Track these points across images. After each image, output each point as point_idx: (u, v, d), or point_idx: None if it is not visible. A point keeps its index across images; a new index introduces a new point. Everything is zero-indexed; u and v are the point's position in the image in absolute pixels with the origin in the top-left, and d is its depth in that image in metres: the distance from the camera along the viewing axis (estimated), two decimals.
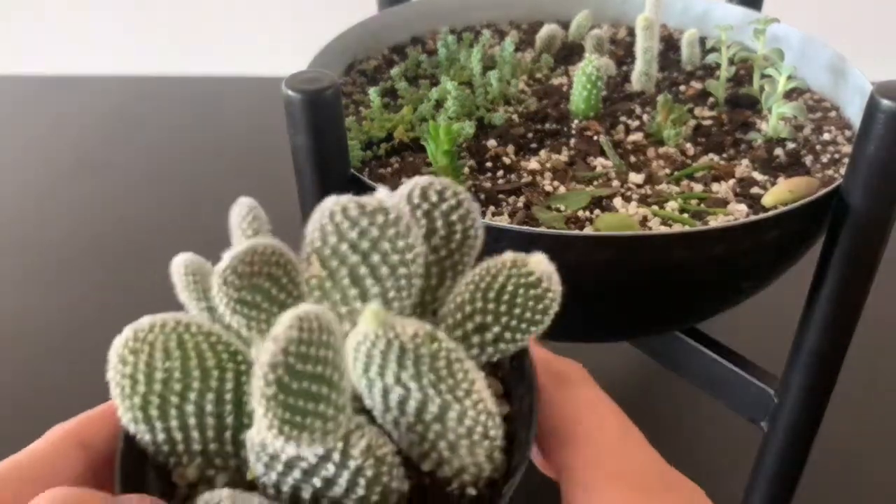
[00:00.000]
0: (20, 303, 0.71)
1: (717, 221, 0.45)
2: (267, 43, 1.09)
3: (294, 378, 0.20)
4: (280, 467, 0.23)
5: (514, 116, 0.55)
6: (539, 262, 0.25)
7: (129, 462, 0.25)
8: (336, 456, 0.23)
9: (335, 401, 0.22)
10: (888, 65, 0.66)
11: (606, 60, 0.59)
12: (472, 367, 0.23)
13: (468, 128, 0.52)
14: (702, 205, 0.47)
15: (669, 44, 0.64)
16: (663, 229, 0.45)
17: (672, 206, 0.47)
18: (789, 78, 0.52)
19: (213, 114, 1.00)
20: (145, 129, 0.97)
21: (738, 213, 0.46)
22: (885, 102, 0.38)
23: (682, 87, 0.59)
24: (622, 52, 0.63)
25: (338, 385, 0.22)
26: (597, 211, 0.46)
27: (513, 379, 0.28)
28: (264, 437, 0.21)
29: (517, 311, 0.25)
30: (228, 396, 0.25)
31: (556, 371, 0.28)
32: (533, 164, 0.50)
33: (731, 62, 0.57)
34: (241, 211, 0.27)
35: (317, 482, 0.23)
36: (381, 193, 0.25)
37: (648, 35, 0.56)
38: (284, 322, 0.20)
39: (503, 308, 0.25)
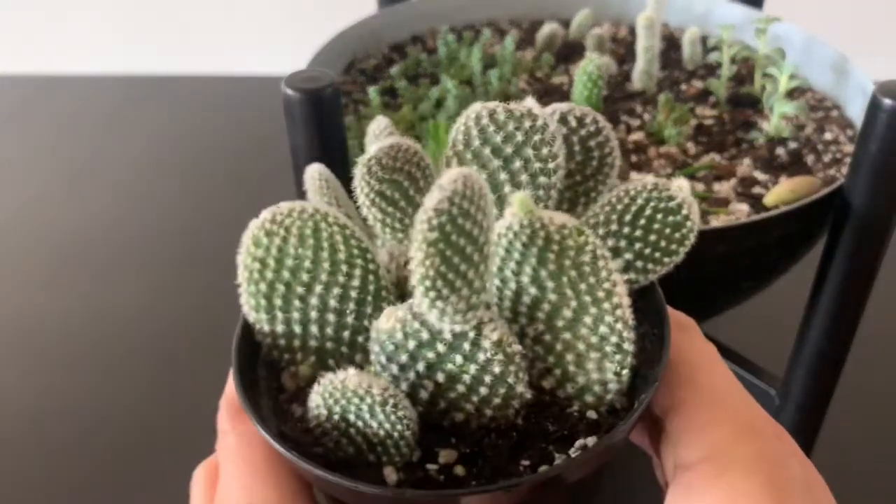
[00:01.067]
0: (20, 302, 0.71)
1: (718, 221, 0.45)
2: (267, 42, 1.09)
3: (454, 230, 0.20)
4: (404, 358, 0.23)
5: None
6: (682, 188, 0.24)
7: (243, 357, 0.25)
8: (466, 346, 0.22)
9: (481, 273, 0.21)
10: (890, 64, 0.65)
11: (607, 59, 0.59)
12: (615, 268, 0.22)
13: None
14: (703, 204, 0.47)
15: (671, 43, 0.63)
16: None
17: None
18: (791, 77, 0.52)
19: (213, 113, 1.00)
20: (145, 129, 0.96)
21: (740, 212, 0.46)
22: (887, 102, 0.38)
23: (684, 87, 0.58)
24: (623, 50, 0.63)
25: (485, 257, 0.21)
26: None
27: (637, 316, 0.26)
28: (419, 304, 0.21)
29: (652, 237, 0.24)
30: (353, 294, 0.24)
31: (675, 317, 0.27)
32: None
33: (733, 61, 0.56)
34: (314, 175, 0.27)
35: (440, 377, 0.23)
36: (530, 102, 0.24)
37: (650, 34, 0.56)
38: (450, 175, 0.20)
39: (639, 233, 0.24)
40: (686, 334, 0.27)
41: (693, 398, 0.25)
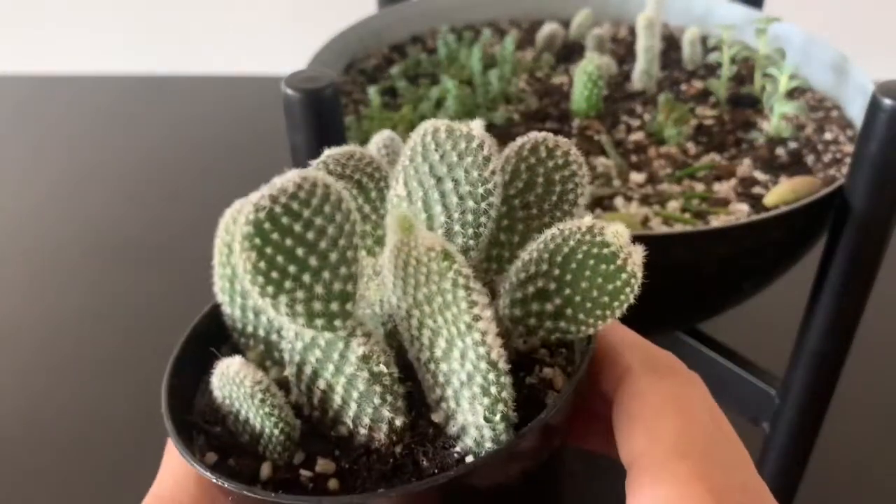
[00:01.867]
0: (19, 302, 0.71)
1: (718, 221, 0.45)
2: (267, 42, 1.09)
3: (277, 229, 0.20)
4: (297, 357, 0.23)
5: (515, 115, 0.55)
6: (618, 235, 0.22)
7: (207, 331, 0.26)
8: (335, 355, 0.22)
9: (327, 280, 0.21)
10: (890, 64, 0.65)
11: (607, 59, 0.59)
12: (483, 302, 0.21)
13: None
14: (703, 204, 0.47)
15: (671, 43, 0.63)
16: (664, 229, 0.45)
17: (673, 205, 0.46)
18: (791, 77, 0.52)
19: (213, 113, 1.00)
20: (145, 129, 0.96)
21: (740, 212, 0.46)
22: (887, 102, 0.38)
23: (684, 87, 0.58)
24: (623, 51, 0.63)
25: (337, 266, 0.21)
26: (598, 210, 0.46)
27: (569, 369, 0.25)
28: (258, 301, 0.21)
29: (584, 284, 0.22)
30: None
31: (653, 357, 0.25)
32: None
33: (733, 61, 0.56)
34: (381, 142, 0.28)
35: (321, 384, 0.23)
36: (475, 124, 0.23)
37: (650, 34, 0.56)
38: (287, 175, 0.20)
39: (568, 277, 0.22)
40: (658, 380, 0.25)
41: (647, 450, 0.23)
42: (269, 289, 0.20)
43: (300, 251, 0.20)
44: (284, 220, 0.20)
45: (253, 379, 0.22)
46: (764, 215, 0.42)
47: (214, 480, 0.21)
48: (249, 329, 0.26)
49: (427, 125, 0.23)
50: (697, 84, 0.58)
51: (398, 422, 0.23)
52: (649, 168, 0.50)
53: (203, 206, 0.82)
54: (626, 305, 0.22)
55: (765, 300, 0.51)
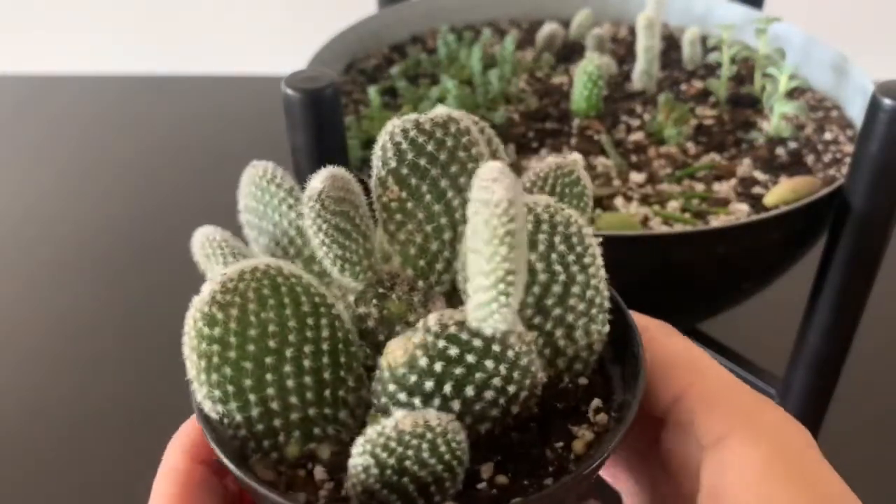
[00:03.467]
0: (18, 302, 0.71)
1: (718, 221, 0.45)
2: (267, 42, 1.09)
3: (335, 204, 0.23)
4: (429, 385, 0.21)
5: (515, 115, 0.55)
6: (576, 162, 0.26)
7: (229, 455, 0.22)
8: (496, 348, 0.21)
9: (362, 245, 0.24)
10: (890, 64, 0.65)
11: (607, 59, 0.59)
12: (591, 233, 0.24)
13: None
14: (703, 204, 0.47)
15: (671, 43, 0.63)
16: (664, 229, 0.45)
17: (673, 205, 0.46)
18: (791, 77, 0.52)
19: (213, 113, 0.99)
20: (144, 129, 0.96)
21: (740, 212, 0.46)
22: (887, 102, 0.38)
23: (684, 87, 0.58)
24: (623, 50, 0.63)
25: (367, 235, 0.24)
26: (598, 210, 0.46)
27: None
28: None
29: (566, 201, 0.26)
30: (325, 346, 0.22)
31: (656, 323, 0.27)
32: (533, 163, 0.50)
33: (733, 61, 0.56)
34: (202, 244, 0.27)
35: (469, 391, 0.21)
36: (441, 108, 0.25)
37: (650, 34, 0.56)
38: (320, 175, 0.23)
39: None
40: (675, 337, 0.27)
41: (701, 381, 0.25)
42: (339, 250, 0.24)
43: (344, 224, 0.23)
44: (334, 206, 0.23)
45: (435, 418, 0.20)
46: (764, 215, 0.42)
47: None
48: (277, 422, 0.22)
49: (397, 123, 0.24)
50: (697, 84, 0.58)
51: (545, 378, 0.23)
52: (649, 168, 0.50)
53: (202, 206, 0.82)
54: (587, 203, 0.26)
55: (765, 300, 0.51)
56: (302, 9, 1.08)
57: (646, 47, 0.56)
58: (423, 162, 0.24)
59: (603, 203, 0.47)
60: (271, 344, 0.21)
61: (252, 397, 0.21)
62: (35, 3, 1.11)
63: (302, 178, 0.27)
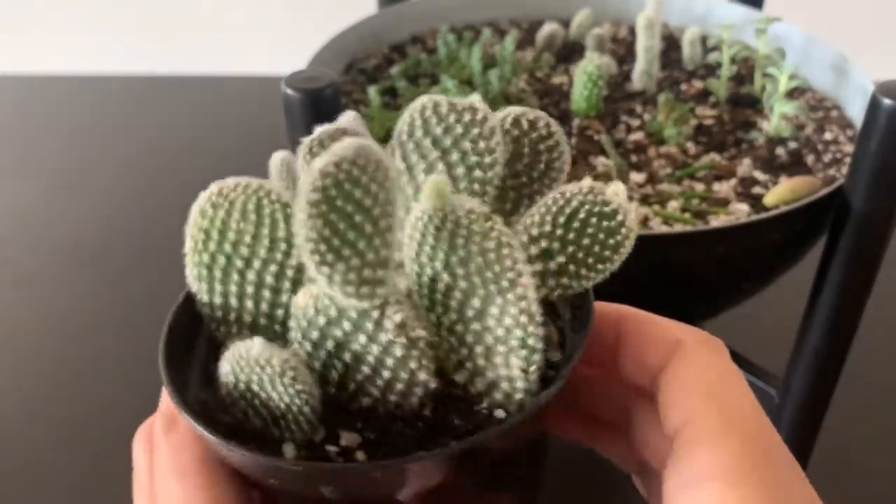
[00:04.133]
0: (18, 302, 0.71)
1: (718, 221, 0.45)
2: (267, 42, 1.09)
3: (340, 195, 0.20)
4: (315, 334, 0.23)
5: None
6: (618, 193, 0.24)
7: (182, 323, 0.25)
8: (369, 325, 0.22)
9: (377, 247, 0.21)
10: (890, 64, 0.65)
11: (607, 59, 0.59)
12: (522, 259, 0.22)
13: None
14: (703, 204, 0.47)
15: (671, 43, 0.63)
16: (664, 229, 0.45)
17: (673, 205, 0.46)
18: (791, 77, 0.52)
19: (213, 113, 1.00)
20: (144, 129, 0.96)
21: (740, 212, 0.46)
22: (887, 102, 0.38)
23: (684, 86, 0.58)
24: (623, 50, 0.63)
25: (383, 233, 0.21)
26: None
27: (572, 328, 0.26)
28: (307, 264, 0.21)
29: (586, 241, 0.24)
30: (290, 273, 0.24)
31: (702, 336, 0.25)
32: None
33: (733, 61, 0.56)
34: (277, 162, 0.28)
35: (347, 356, 0.23)
36: (474, 97, 0.25)
37: (650, 34, 0.56)
38: (343, 143, 0.20)
39: (572, 235, 0.24)
40: (709, 352, 0.25)
41: (709, 414, 0.23)
42: (329, 256, 0.21)
43: (359, 218, 0.21)
44: (347, 186, 0.20)
45: (280, 358, 0.22)
46: (764, 215, 0.42)
47: (272, 462, 0.22)
48: (232, 316, 0.25)
49: (424, 100, 0.24)
50: (697, 84, 0.58)
51: (432, 385, 0.23)
52: (649, 168, 0.50)
53: None
54: (623, 257, 0.24)
55: (765, 300, 0.51)
56: (302, 9, 1.08)
57: (646, 47, 0.56)
58: (426, 142, 0.24)
59: None
60: (243, 251, 0.24)
61: (217, 287, 0.24)
62: (35, 3, 1.11)
63: None
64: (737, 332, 0.57)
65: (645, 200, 0.47)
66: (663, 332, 0.25)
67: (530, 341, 0.22)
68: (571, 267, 0.24)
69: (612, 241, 0.24)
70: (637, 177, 0.49)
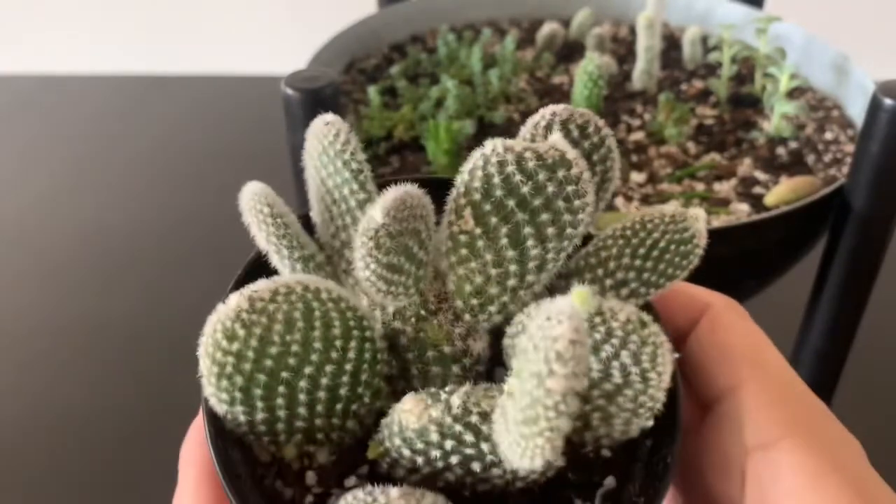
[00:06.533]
0: (18, 303, 0.71)
1: (719, 221, 0.45)
2: (267, 42, 1.09)
3: (391, 240, 0.20)
4: (435, 454, 0.21)
5: (515, 115, 0.55)
6: (698, 219, 0.23)
7: (219, 445, 0.22)
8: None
9: (414, 273, 0.22)
10: (891, 64, 0.65)
11: (608, 59, 0.59)
12: (667, 350, 0.21)
13: (468, 127, 0.51)
14: (703, 204, 0.47)
15: (671, 42, 0.63)
16: None
17: (674, 205, 0.46)
18: (791, 77, 0.52)
19: (213, 113, 1.00)
20: (144, 129, 0.96)
21: (740, 212, 0.46)
22: (888, 101, 0.38)
23: (684, 86, 0.58)
24: (623, 50, 0.63)
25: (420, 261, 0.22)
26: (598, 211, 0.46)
27: None
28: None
29: (662, 266, 0.24)
30: (348, 367, 0.22)
31: (723, 298, 0.26)
32: None
33: (733, 61, 0.56)
34: (254, 205, 0.24)
35: (475, 466, 0.21)
36: (558, 138, 0.21)
37: (650, 33, 0.56)
38: (390, 195, 0.20)
39: (649, 264, 0.24)
40: (739, 315, 0.26)
41: (760, 376, 0.24)
42: (382, 284, 0.21)
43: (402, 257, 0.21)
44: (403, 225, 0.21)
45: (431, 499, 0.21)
46: (764, 215, 0.42)
47: None
48: (280, 426, 0.22)
49: (500, 150, 0.21)
50: (698, 84, 0.58)
51: (561, 462, 0.23)
52: (649, 168, 0.50)
53: (202, 206, 0.82)
54: (688, 271, 0.24)
55: (765, 300, 0.51)
56: (302, 9, 1.08)
57: (646, 47, 0.56)
58: (511, 203, 0.21)
59: None
60: (290, 361, 0.21)
61: (259, 405, 0.21)
62: (35, 3, 1.11)
63: (301, 179, 0.27)
64: None
65: (645, 200, 0.47)
66: (691, 296, 0.26)
67: (658, 406, 0.22)
68: (643, 289, 0.24)
69: (683, 262, 0.24)
70: (637, 176, 0.49)
